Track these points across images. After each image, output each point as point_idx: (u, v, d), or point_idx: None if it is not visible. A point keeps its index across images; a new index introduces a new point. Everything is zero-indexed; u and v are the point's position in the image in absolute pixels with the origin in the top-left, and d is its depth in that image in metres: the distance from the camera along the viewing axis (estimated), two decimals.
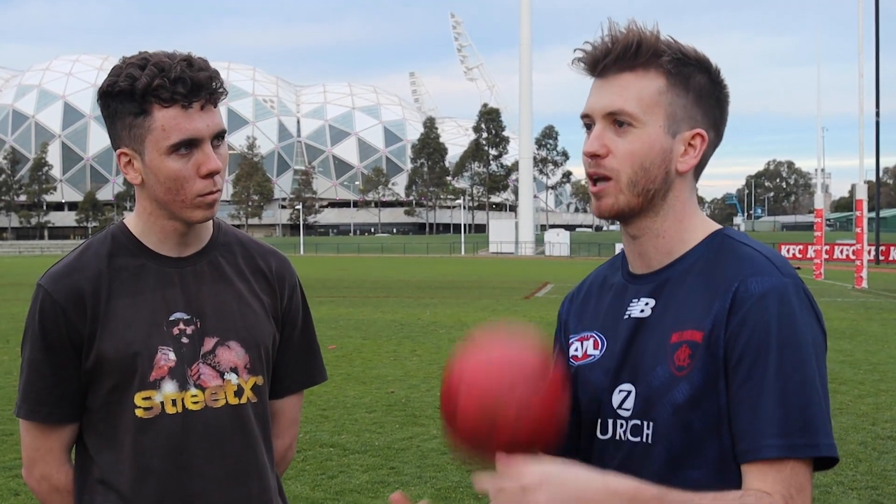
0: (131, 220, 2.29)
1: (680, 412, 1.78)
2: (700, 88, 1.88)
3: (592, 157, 1.87)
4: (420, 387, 11.86)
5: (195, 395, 2.21)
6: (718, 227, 1.94)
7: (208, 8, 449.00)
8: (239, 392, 2.26)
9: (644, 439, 1.83)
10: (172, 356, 2.20)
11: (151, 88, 2.07)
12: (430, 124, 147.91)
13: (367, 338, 17.46)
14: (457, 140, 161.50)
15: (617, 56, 1.85)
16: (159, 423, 2.19)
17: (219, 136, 2.16)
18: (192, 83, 2.09)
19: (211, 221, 2.34)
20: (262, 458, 2.32)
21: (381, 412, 10.21)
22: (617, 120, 1.85)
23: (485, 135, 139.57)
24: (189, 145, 2.11)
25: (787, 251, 68.48)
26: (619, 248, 2.15)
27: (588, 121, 1.91)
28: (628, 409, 1.87)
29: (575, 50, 1.92)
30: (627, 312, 1.92)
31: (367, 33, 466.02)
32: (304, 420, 9.25)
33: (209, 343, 2.24)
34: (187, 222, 2.21)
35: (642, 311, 1.89)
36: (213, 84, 2.14)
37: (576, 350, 2.01)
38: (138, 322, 2.20)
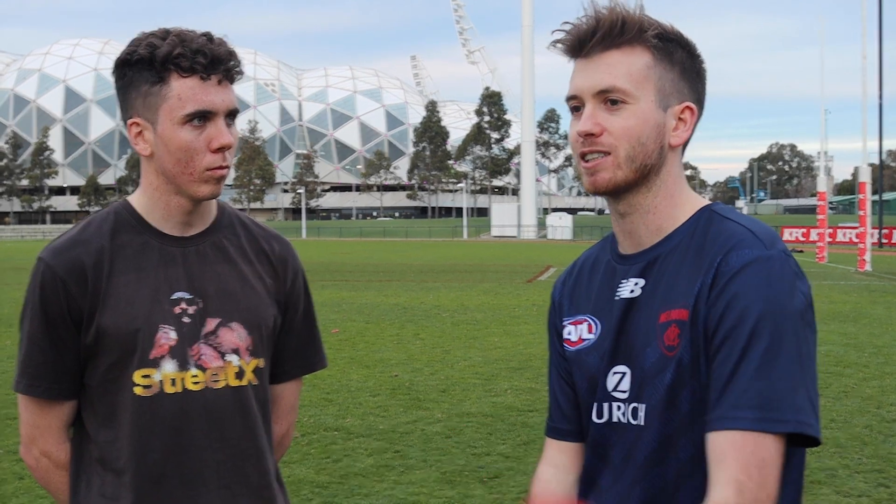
0: (135, 198, 2.28)
1: (670, 392, 1.78)
2: (683, 63, 1.89)
3: (587, 136, 1.85)
4: (423, 370, 11.85)
5: (196, 376, 2.19)
6: (706, 202, 1.93)
7: None
8: (240, 374, 2.25)
9: (638, 421, 1.83)
10: (173, 335, 2.18)
11: (172, 57, 2.08)
12: (431, 108, 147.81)
13: (370, 321, 17.45)
14: (459, 124, 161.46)
15: (603, 35, 1.84)
16: (158, 402, 2.17)
17: (232, 115, 2.17)
18: (211, 56, 2.10)
19: (215, 203, 2.33)
20: (262, 441, 2.31)
21: (384, 396, 10.20)
22: (609, 98, 1.84)
23: (487, 118, 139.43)
24: (203, 117, 2.11)
25: (790, 234, 68.43)
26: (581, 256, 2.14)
27: (576, 102, 1.90)
28: (624, 392, 1.87)
29: (553, 32, 1.91)
30: (618, 294, 1.91)
31: (368, 16, 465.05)
32: (307, 403, 9.30)
33: (211, 324, 2.22)
34: (193, 198, 2.19)
35: (632, 291, 1.89)
36: (232, 61, 2.14)
37: (569, 334, 2.01)
38: (140, 299, 2.18)
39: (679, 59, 1.87)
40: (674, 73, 1.87)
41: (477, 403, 9.72)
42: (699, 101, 1.91)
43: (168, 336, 2.18)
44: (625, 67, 1.84)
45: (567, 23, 1.88)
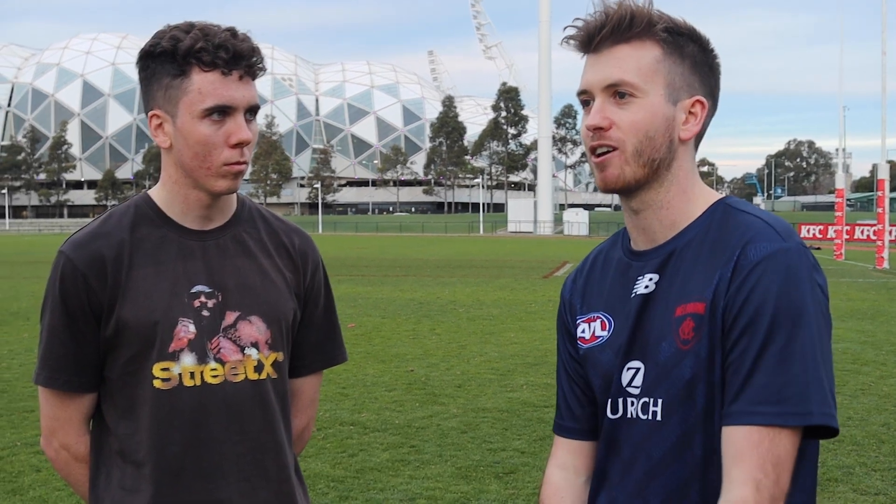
0: (155, 191, 2.28)
1: (687, 387, 1.78)
2: (694, 57, 1.88)
3: (595, 130, 1.85)
4: (439, 365, 11.86)
5: (215, 369, 2.20)
6: (720, 196, 1.92)
7: None
8: (259, 367, 2.25)
9: (653, 417, 1.83)
10: (192, 328, 2.19)
11: (194, 51, 2.09)
12: (448, 103, 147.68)
13: (386, 316, 17.47)
14: (475, 119, 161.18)
15: (612, 29, 1.85)
16: (177, 395, 2.18)
17: (252, 111, 2.17)
18: (234, 51, 2.11)
19: (235, 196, 2.33)
20: (281, 435, 2.31)
21: (400, 390, 10.22)
22: (618, 91, 1.84)
23: (504, 113, 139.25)
24: (223, 112, 2.12)
25: (808, 231, 68.16)
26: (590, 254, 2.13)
27: (586, 97, 1.90)
28: (637, 387, 1.86)
29: (565, 28, 1.92)
30: (634, 290, 1.91)
31: (386, 12, 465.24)
32: (324, 398, 9.29)
33: (230, 317, 2.23)
34: (210, 192, 2.19)
35: (647, 287, 1.88)
36: (255, 57, 2.15)
37: (583, 332, 2.01)
38: (159, 292, 2.19)
39: (690, 52, 1.87)
40: (684, 66, 1.86)
41: (492, 399, 9.72)
42: (711, 95, 1.91)
43: (187, 329, 2.18)
44: (633, 61, 1.84)
45: (578, 19, 1.89)
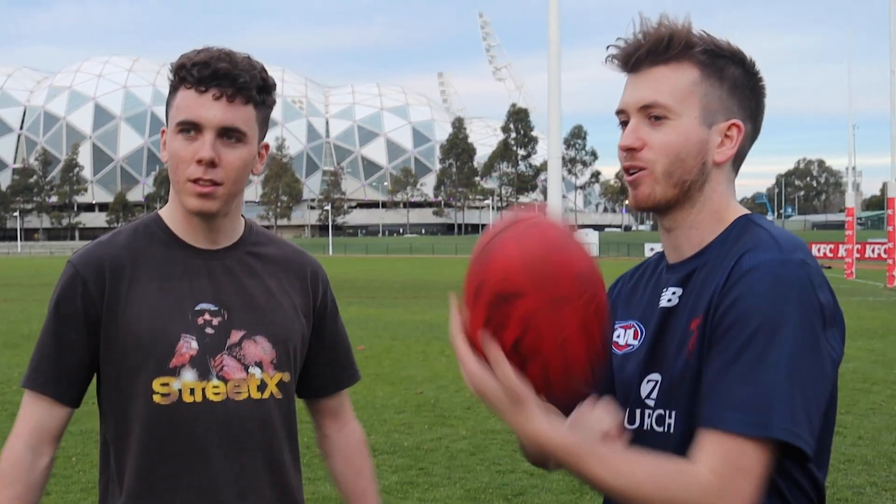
0: (165, 210, 2.34)
1: (691, 399, 1.78)
2: (734, 79, 1.89)
3: (628, 150, 1.88)
4: (449, 387, 11.85)
5: (217, 387, 2.21)
6: (746, 212, 1.93)
7: (239, 9, 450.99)
8: (262, 387, 2.26)
9: (667, 429, 1.84)
10: (195, 344, 2.20)
11: (179, 68, 2.18)
12: (458, 124, 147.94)
13: (396, 338, 17.47)
14: (485, 140, 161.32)
15: (649, 50, 1.87)
16: (176, 410, 2.19)
17: (232, 131, 2.17)
18: (210, 71, 2.14)
19: (241, 219, 2.36)
20: (281, 454, 2.31)
21: (410, 413, 10.21)
22: (652, 113, 1.86)
23: (513, 135, 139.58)
24: (195, 129, 2.16)
25: (818, 250, 68.04)
26: (648, 248, 2.15)
27: (623, 117, 1.93)
28: (654, 399, 1.88)
29: (608, 47, 1.93)
30: (659, 303, 1.93)
31: (395, 34, 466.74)
32: None
33: (236, 336, 2.24)
34: (185, 209, 2.23)
35: (670, 300, 1.90)
36: (238, 79, 2.15)
37: (618, 337, 2.02)
38: (162, 308, 2.21)
39: (730, 75, 1.88)
40: (722, 89, 1.87)
41: (502, 421, 9.69)
42: (752, 117, 1.92)
43: (189, 346, 2.20)
44: (670, 83, 1.86)
45: (620, 38, 1.91)
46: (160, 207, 2.37)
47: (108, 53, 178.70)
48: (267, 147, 2.32)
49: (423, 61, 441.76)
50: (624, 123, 1.93)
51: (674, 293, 1.90)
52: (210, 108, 2.15)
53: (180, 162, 2.17)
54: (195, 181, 2.16)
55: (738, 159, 1.92)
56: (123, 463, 2.22)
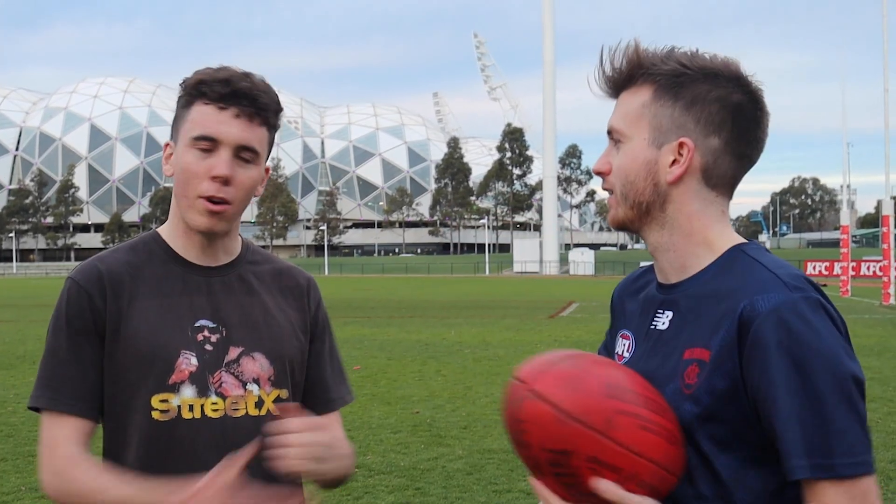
0: (164, 227, 2.33)
1: (686, 429, 1.77)
2: (695, 96, 1.84)
3: (597, 174, 1.96)
4: (445, 407, 11.82)
5: (215, 403, 2.20)
6: (738, 241, 1.90)
7: (234, 31, 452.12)
8: (259, 404, 2.25)
9: None
10: (194, 361, 2.20)
11: (198, 83, 2.17)
12: (453, 144, 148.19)
13: (392, 358, 17.44)
14: (480, 160, 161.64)
15: (607, 79, 1.93)
16: (174, 427, 2.18)
17: (247, 151, 2.18)
18: (232, 89, 2.15)
19: (239, 238, 2.36)
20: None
21: (406, 432, 10.19)
22: (613, 137, 1.92)
23: (508, 154, 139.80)
24: (210, 144, 2.15)
25: (814, 268, 68.07)
26: (643, 266, 2.17)
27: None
28: None
29: (588, 79, 1.98)
30: (653, 324, 1.93)
31: (390, 54, 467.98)
32: None
33: (234, 352, 2.24)
34: (189, 225, 2.22)
35: (663, 323, 1.90)
36: (258, 100, 2.18)
37: (620, 348, 2.03)
38: (162, 324, 2.20)
39: (689, 92, 1.84)
40: (675, 108, 1.85)
41: (498, 440, 9.68)
42: (718, 130, 1.84)
43: (189, 362, 2.19)
44: (624, 108, 1.90)
45: (593, 71, 1.96)
46: (156, 227, 2.37)
47: (103, 74, 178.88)
48: (268, 170, 2.33)
49: (418, 81, 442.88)
50: None
51: (667, 317, 1.89)
52: (230, 126, 2.15)
53: (192, 177, 2.16)
54: (207, 198, 2.16)
55: (726, 178, 1.88)
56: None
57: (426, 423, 10.69)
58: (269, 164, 2.33)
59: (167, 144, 2.25)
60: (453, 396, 12.66)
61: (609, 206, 1.97)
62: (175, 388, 2.18)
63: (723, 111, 1.84)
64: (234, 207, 2.20)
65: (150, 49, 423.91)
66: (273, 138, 2.29)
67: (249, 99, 2.17)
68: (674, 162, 1.85)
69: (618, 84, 1.92)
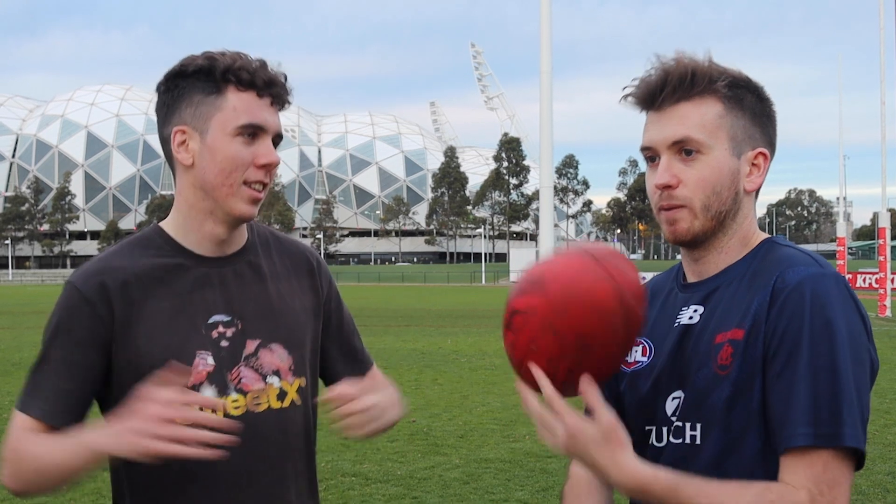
0: (167, 222, 2.25)
1: (722, 411, 1.81)
2: (753, 108, 1.93)
3: (664, 188, 1.91)
4: (441, 416, 11.81)
5: (236, 400, 2.15)
6: (767, 236, 1.99)
7: (232, 39, 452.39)
8: (282, 395, 2.21)
9: (688, 440, 1.87)
10: (211, 360, 2.14)
11: (234, 69, 2.12)
12: (450, 153, 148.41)
13: (388, 367, 17.41)
14: (477, 169, 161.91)
15: (673, 88, 1.90)
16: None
17: (278, 138, 2.20)
18: (269, 77, 2.16)
19: (245, 224, 2.28)
20: (300, 464, 2.28)
21: (402, 441, 10.17)
22: (684, 149, 1.90)
23: (505, 164, 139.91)
24: (254, 133, 2.14)
25: None
26: (644, 278, 2.16)
27: (650, 153, 1.96)
28: (677, 416, 1.90)
29: (624, 87, 1.97)
30: (677, 320, 1.96)
31: (388, 64, 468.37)
32: (324, 448, 9.21)
33: (251, 345, 2.19)
34: (228, 214, 2.16)
35: (691, 317, 1.94)
36: (284, 87, 2.19)
37: (632, 356, 2.03)
38: (175, 325, 2.14)
39: (749, 104, 1.93)
40: (745, 119, 1.92)
41: (495, 449, 9.68)
42: (771, 143, 1.97)
43: (206, 362, 2.14)
44: (697, 118, 1.89)
45: (636, 78, 1.95)
46: (157, 222, 2.30)
47: (100, 82, 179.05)
48: None
49: (415, 91, 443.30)
50: (651, 159, 1.96)
51: (695, 311, 1.93)
52: (271, 114, 2.17)
53: (239, 165, 2.12)
54: (250, 185, 2.14)
55: (760, 186, 1.98)
56: (139, 482, 2.16)
57: (423, 432, 10.67)
58: None
59: (180, 130, 2.15)
60: (450, 405, 12.64)
61: (677, 219, 1.92)
62: (195, 391, 2.11)
63: (770, 124, 1.97)
64: (264, 194, 2.20)
65: (147, 57, 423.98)
66: None
67: (279, 87, 2.18)
68: (750, 171, 1.93)
69: (680, 94, 1.90)
